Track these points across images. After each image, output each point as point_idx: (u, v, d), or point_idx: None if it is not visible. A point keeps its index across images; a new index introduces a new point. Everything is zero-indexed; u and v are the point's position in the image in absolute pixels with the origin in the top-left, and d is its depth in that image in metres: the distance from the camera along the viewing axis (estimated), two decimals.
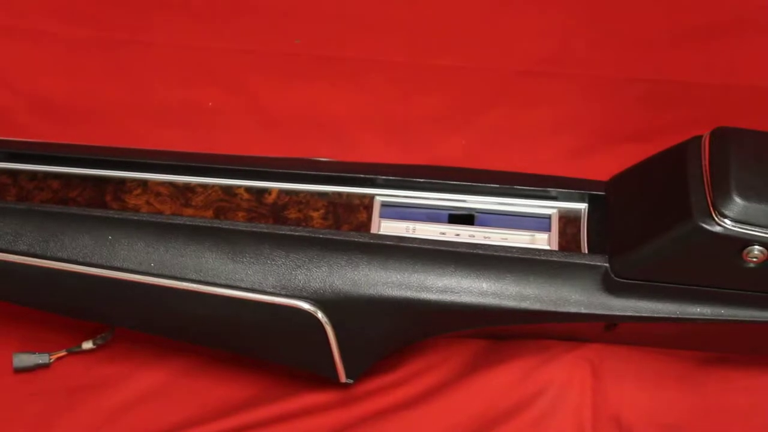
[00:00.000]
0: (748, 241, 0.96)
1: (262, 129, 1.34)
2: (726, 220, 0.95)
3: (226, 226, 1.05)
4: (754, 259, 0.96)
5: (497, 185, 1.09)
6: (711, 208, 0.96)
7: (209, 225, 1.05)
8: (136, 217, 1.05)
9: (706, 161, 0.99)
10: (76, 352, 1.14)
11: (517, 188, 1.09)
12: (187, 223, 1.05)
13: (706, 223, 0.96)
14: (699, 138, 1.02)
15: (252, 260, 1.03)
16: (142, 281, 1.03)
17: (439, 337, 1.08)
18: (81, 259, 1.03)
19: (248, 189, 1.11)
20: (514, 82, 1.34)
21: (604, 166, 1.15)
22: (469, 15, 1.33)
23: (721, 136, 1.01)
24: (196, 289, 1.03)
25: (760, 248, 0.96)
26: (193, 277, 1.03)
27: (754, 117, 1.30)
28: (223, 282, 1.03)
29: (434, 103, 1.34)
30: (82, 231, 1.04)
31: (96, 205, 1.09)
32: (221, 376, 1.13)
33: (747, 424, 1.09)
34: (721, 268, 0.98)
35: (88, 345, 1.14)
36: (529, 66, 1.33)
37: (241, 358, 1.13)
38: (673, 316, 1.01)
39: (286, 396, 1.10)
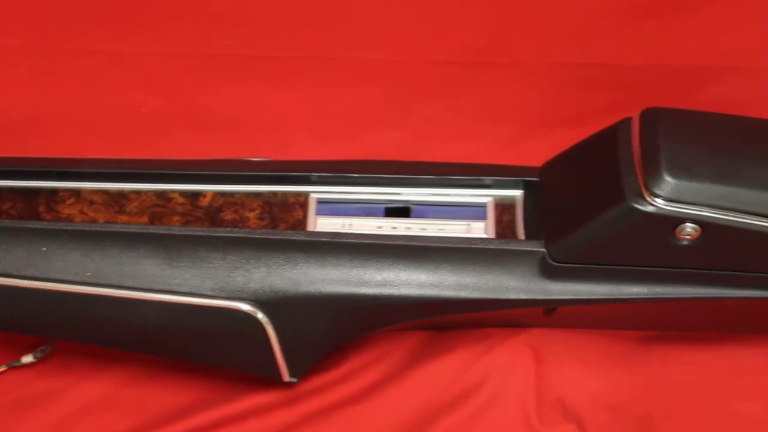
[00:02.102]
0: (680, 219, 0.96)
1: (197, 131, 1.33)
2: (658, 200, 0.96)
3: (162, 231, 1.04)
4: (688, 237, 0.97)
5: (432, 176, 1.09)
6: (643, 189, 0.96)
7: (144, 231, 1.04)
8: (70, 227, 1.04)
9: (636, 142, 1.00)
10: (15, 367, 1.13)
11: (451, 178, 1.09)
12: (122, 230, 1.04)
13: (639, 204, 0.96)
14: (628, 120, 1.03)
15: (189, 264, 1.02)
16: (79, 291, 1.02)
17: (382, 330, 1.08)
18: (16, 273, 1.02)
19: (182, 193, 1.10)
20: (447, 73, 1.34)
21: (541, 152, 1.15)
22: (401, 8, 1.33)
23: (650, 117, 1.01)
24: (135, 297, 1.02)
25: (693, 225, 0.96)
26: (131, 284, 1.02)
27: (687, 97, 1.32)
28: (161, 288, 1.02)
29: (369, 98, 1.34)
30: (15, 244, 1.03)
31: (29, 217, 1.08)
32: (164, 383, 1.12)
33: (690, 399, 1.10)
34: (655, 247, 0.98)
35: (27, 359, 1.13)
36: (462, 56, 1.33)
37: (184, 364, 1.12)
38: (610, 297, 1.01)
39: (230, 399, 1.10)
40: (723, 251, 0.98)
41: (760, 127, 1.03)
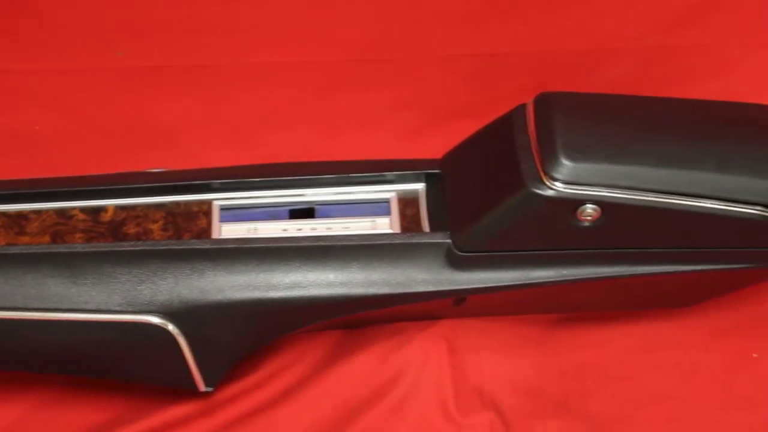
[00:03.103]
0: (580, 201, 0.98)
1: (94, 146, 1.31)
2: (557, 183, 0.97)
3: (64, 250, 1.02)
4: (589, 218, 0.99)
5: (334, 175, 1.09)
6: (541, 174, 0.98)
7: (47, 251, 1.02)
8: None
9: (532, 128, 1.01)
10: None
11: (353, 176, 1.09)
12: (24, 251, 1.02)
13: (539, 189, 0.97)
14: (523, 106, 1.04)
15: (95, 281, 1.01)
16: None
17: (295, 333, 1.08)
18: None
19: (83, 209, 1.09)
20: (343, 72, 1.34)
21: (443, 144, 1.16)
22: (291, 9, 1.33)
23: (544, 102, 1.03)
24: (41, 318, 1.00)
25: (593, 206, 0.98)
26: (36, 305, 1.01)
27: (582, 80, 1.34)
28: (67, 307, 1.01)
29: (266, 101, 1.34)
30: None
31: None
32: (79, 402, 1.10)
33: (604, 378, 1.11)
34: (558, 230, 1.00)
35: None
36: (356, 54, 1.34)
37: (98, 382, 1.10)
38: (518, 282, 1.02)
39: (146, 414, 1.08)
40: (624, 229, 1.00)
41: (651, 105, 1.05)
